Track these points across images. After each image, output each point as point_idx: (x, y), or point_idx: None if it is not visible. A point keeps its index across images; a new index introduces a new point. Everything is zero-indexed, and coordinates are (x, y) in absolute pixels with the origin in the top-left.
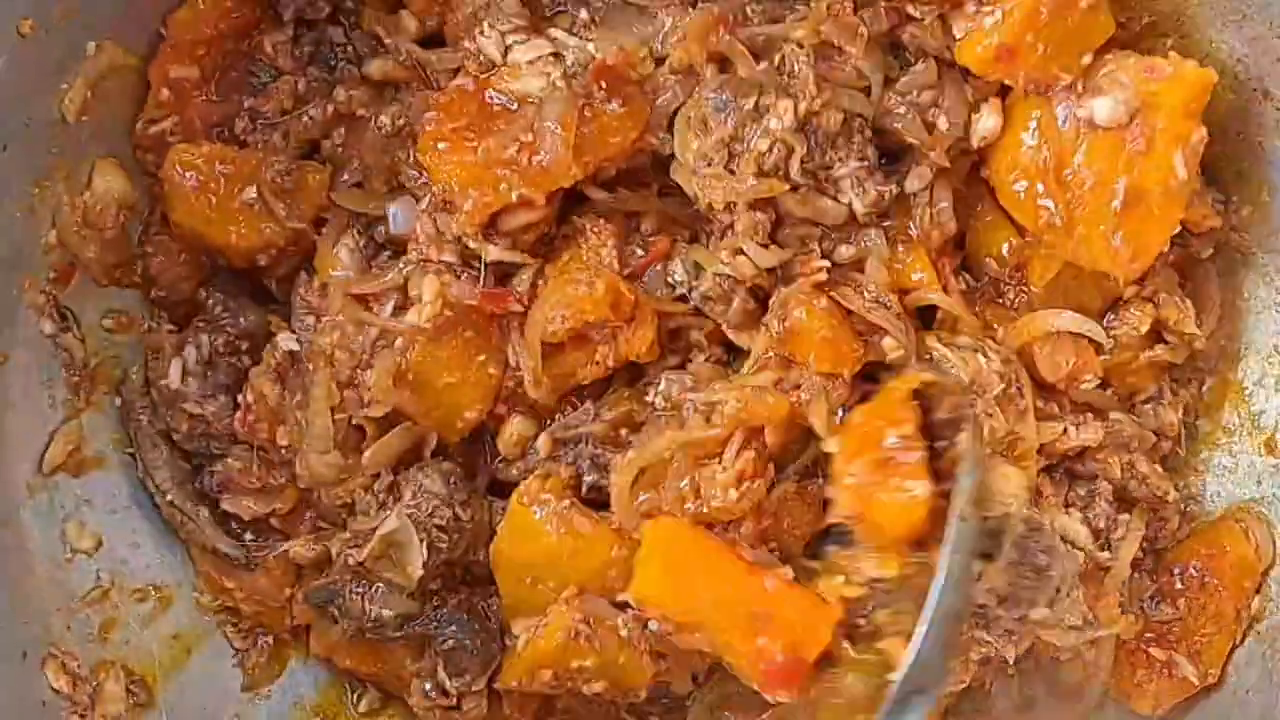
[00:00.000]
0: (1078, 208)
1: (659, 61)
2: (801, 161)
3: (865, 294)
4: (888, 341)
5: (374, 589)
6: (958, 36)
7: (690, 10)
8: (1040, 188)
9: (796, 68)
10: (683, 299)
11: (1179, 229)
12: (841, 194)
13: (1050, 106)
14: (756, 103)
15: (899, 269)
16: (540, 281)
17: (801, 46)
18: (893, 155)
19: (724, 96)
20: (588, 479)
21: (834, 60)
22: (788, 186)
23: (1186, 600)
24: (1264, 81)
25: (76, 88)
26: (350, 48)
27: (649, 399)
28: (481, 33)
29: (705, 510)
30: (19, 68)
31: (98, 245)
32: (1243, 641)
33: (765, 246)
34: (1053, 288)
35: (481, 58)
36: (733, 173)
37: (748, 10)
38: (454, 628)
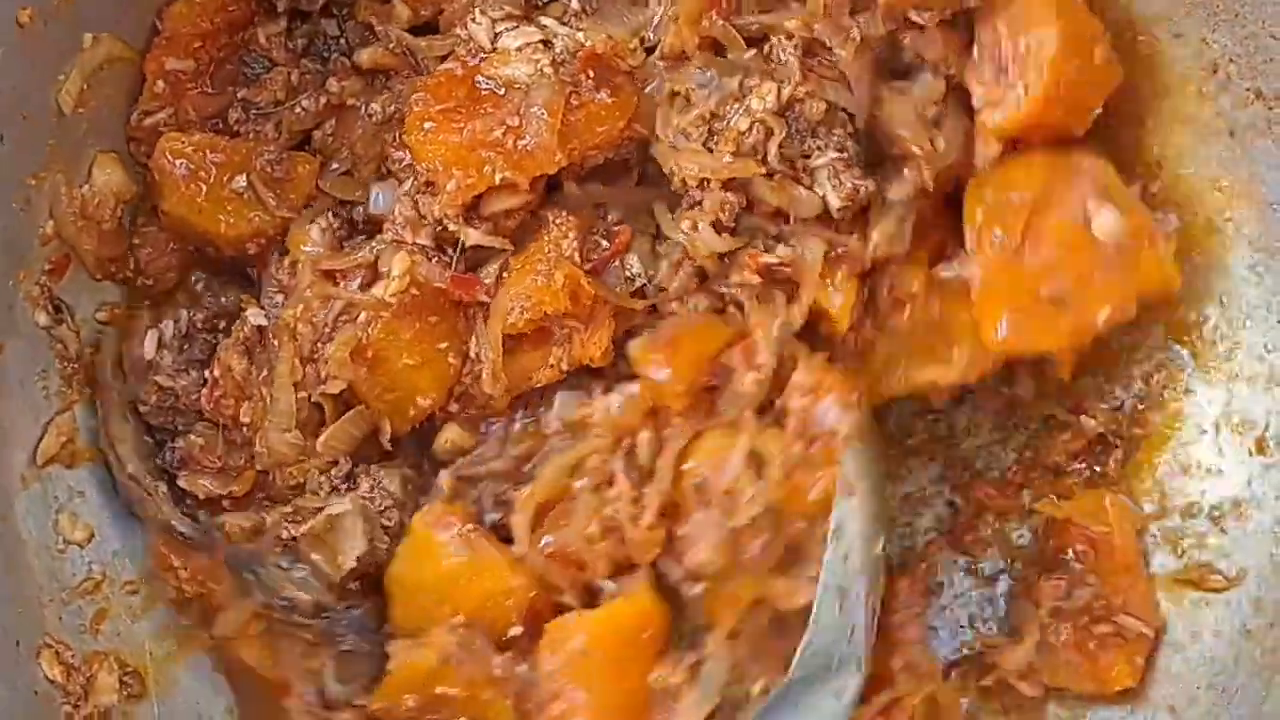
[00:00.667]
0: (1018, 269)
1: (650, 50)
2: (780, 146)
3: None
4: (749, 377)
5: (296, 568)
6: (975, 106)
7: None
8: (999, 231)
9: (784, 57)
10: (641, 293)
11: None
12: (817, 184)
13: (1068, 173)
14: (741, 83)
15: (824, 286)
16: (505, 273)
17: (790, 38)
18: (874, 164)
19: (708, 73)
20: (490, 516)
21: (823, 58)
22: (763, 170)
23: (1092, 569)
24: (1256, 81)
25: (73, 79)
26: (343, 39)
27: (543, 422)
28: (473, 19)
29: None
30: (17, 58)
31: (94, 237)
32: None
33: (722, 233)
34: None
35: (472, 44)
36: (710, 150)
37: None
38: (355, 634)
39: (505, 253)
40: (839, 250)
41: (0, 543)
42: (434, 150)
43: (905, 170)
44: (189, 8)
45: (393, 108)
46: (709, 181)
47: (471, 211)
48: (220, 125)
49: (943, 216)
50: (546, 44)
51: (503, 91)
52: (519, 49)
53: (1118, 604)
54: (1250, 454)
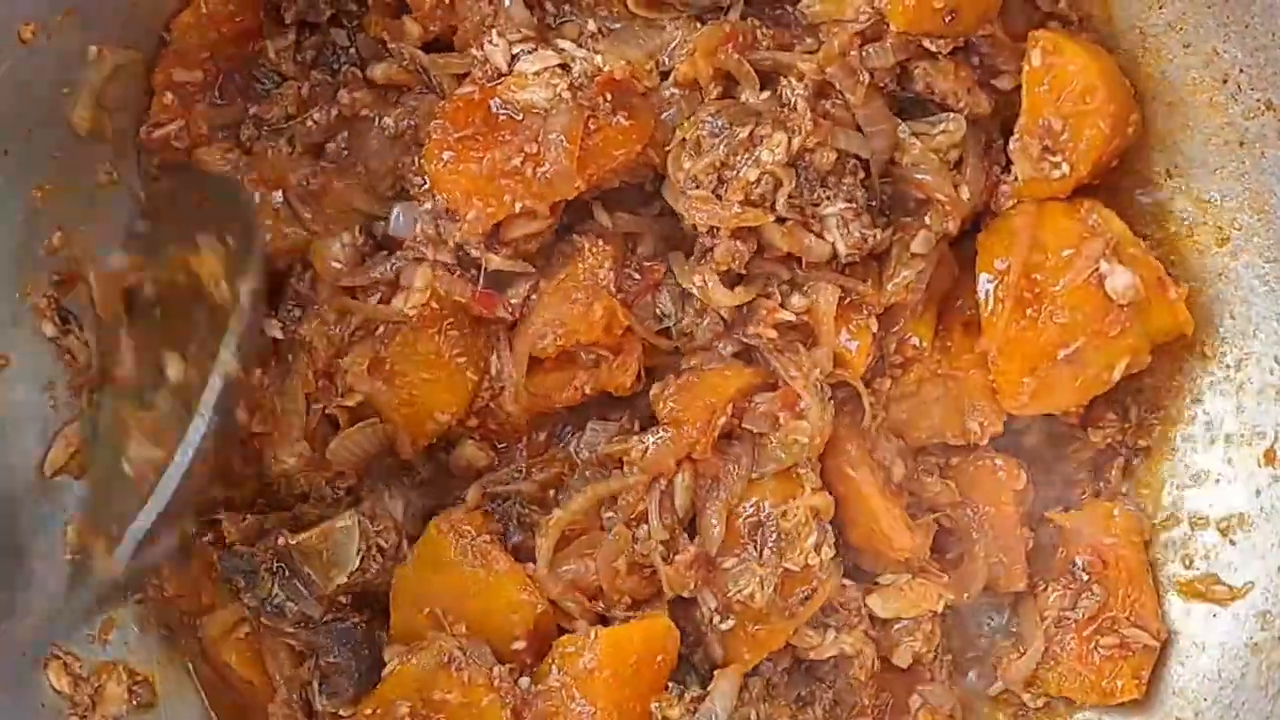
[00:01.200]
0: (1032, 331)
1: (665, 75)
2: (789, 196)
3: (804, 370)
4: (798, 425)
5: (289, 578)
6: (1017, 178)
7: (699, 25)
8: (1006, 285)
9: (794, 100)
10: (667, 333)
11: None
12: (827, 232)
13: (1078, 234)
14: (752, 132)
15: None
16: (533, 295)
17: (801, 80)
18: (888, 209)
19: (720, 122)
20: (514, 539)
21: (835, 99)
22: (772, 218)
23: (1099, 579)
24: (1267, 93)
25: (83, 100)
26: (354, 50)
27: (572, 449)
28: (490, 40)
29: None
30: (20, 73)
31: None
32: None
33: (733, 285)
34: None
35: (488, 66)
36: (720, 198)
37: (758, 34)
38: (343, 647)
39: (532, 275)
40: (852, 296)
41: (6, 553)
42: (454, 181)
43: (928, 217)
44: (196, 18)
45: (406, 123)
46: (718, 229)
47: (492, 237)
48: (232, 139)
49: (946, 260)
50: (564, 67)
51: (520, 116)
52: (536, 73)
53: (1124, 615)
54: (1259, 465)
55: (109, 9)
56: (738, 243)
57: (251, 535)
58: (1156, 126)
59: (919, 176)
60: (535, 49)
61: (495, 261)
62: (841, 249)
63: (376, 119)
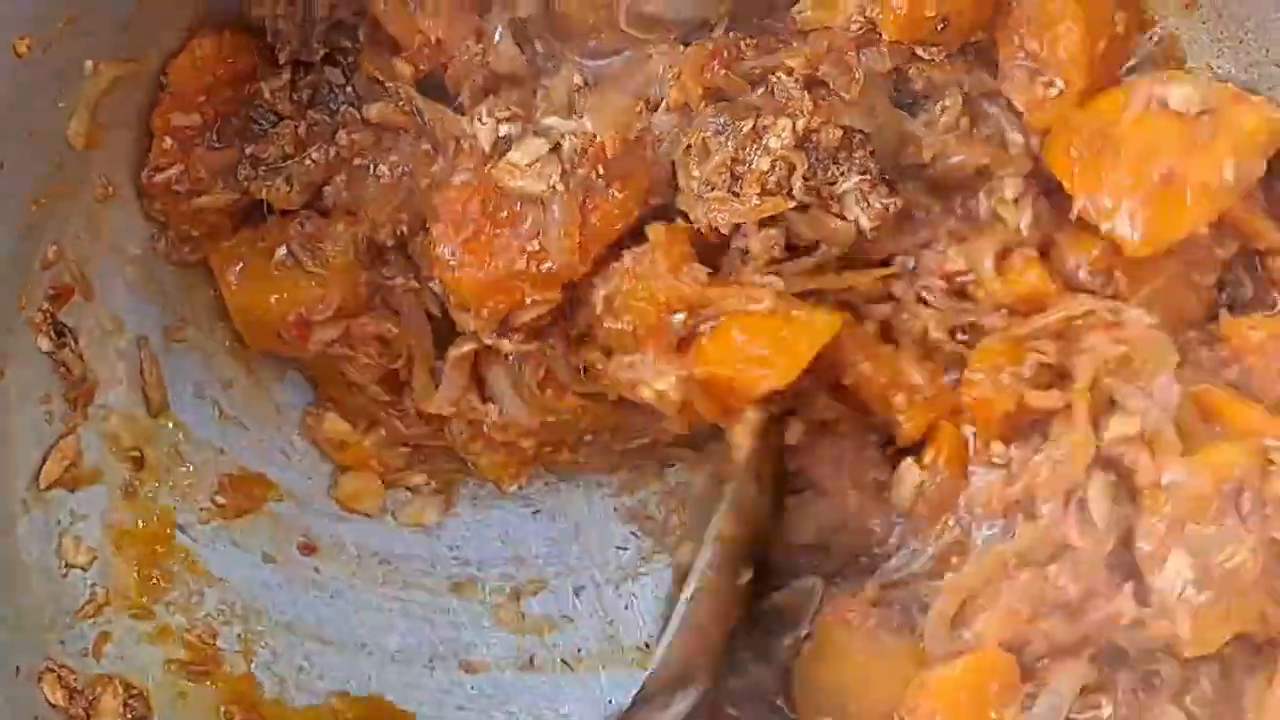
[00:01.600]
0: (1115, 173)
1: (655, 108)
2: (804, 178)
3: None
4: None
5: (762, 640)
6: (1020, 109)
7: (682, 48)
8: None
9: (790, 91)
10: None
11: None
12: (847, 210)
13: (1127, 94)
14: (755, 124)
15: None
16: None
17: (791, 73)
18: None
19: (722, 119)
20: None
21: (830, 90)
22: (793, 204)
23: None
24: None
25: (79, 115)
26: (350, 89)
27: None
28: (479, 119)
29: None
30: (17, 86)
31: None
32: None
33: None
34: (1149, 296)
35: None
36: (736, 194)
37: (741, 45)
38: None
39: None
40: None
41: (1, 566)
42: (464, 289)
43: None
44: (191, 61)
45: (401, 170)
46: (745, 225)
47: (504, 324)
48: (231, 182)
49: None
50: (555, 148)
51: (518, 206)
52: (528, 165)
53: None
54: None
55: (105, 23)
56: (769, 230)
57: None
58: None
59: (955, 160)
60: (524, 131)
61: (508, 347)
62: (865, 223)
63: (372, 166)
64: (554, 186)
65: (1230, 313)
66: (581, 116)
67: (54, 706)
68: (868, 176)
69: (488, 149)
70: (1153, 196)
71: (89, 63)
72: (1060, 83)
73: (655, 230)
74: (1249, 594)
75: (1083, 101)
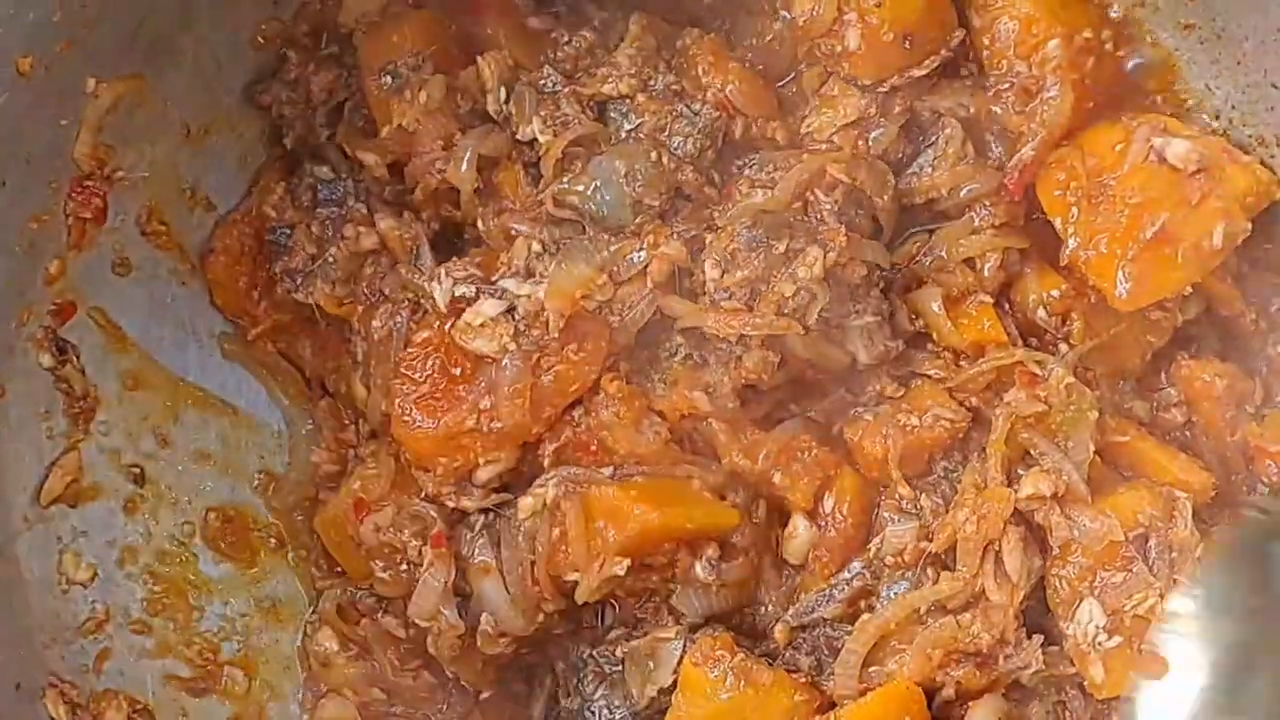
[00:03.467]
0: (1109, 222)
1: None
2: (821, 311)
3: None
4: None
5: (615, 685)
6: (1019, 132)
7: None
8: (1073, 190)
9: (824, 215)
10: None
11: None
12: (849, 341)
13: (1128, 135)
14: (788, 248)
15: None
16: None
17: (833, 190)
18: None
19: (757, 234)
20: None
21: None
22: (803, 330)
23: None
24: (1258, 129)
25: (83, 138)
26: (349, 180)
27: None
28: (438, 280)
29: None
30: (18, 103)
31: None
32: None
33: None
34: (1099, 347)
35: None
36: (751, 309)
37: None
38: None
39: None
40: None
41: (2, 582)
42: (417, 444)
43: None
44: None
45: (387, 331)
46: (749, 339)
47: (466, 481)
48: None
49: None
50: (510, 311)
51: (471, 365)
52: (481, 325)
53: None
54: None
55: (107, 42)
56: (769, 352)
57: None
58: None
59: (966, 191)
60: (479, 293)
61: (468, 504)
62: (863, 358)
63: (361, 333)
64: (506, 347)
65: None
66: (540, 281)
67: None
68: (879, 318)
69: (444, 308)
70: (1145, 252)
71: (91, 80)
72: (1051, 107)
73: (610, 385)
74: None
75: (1074, 131)
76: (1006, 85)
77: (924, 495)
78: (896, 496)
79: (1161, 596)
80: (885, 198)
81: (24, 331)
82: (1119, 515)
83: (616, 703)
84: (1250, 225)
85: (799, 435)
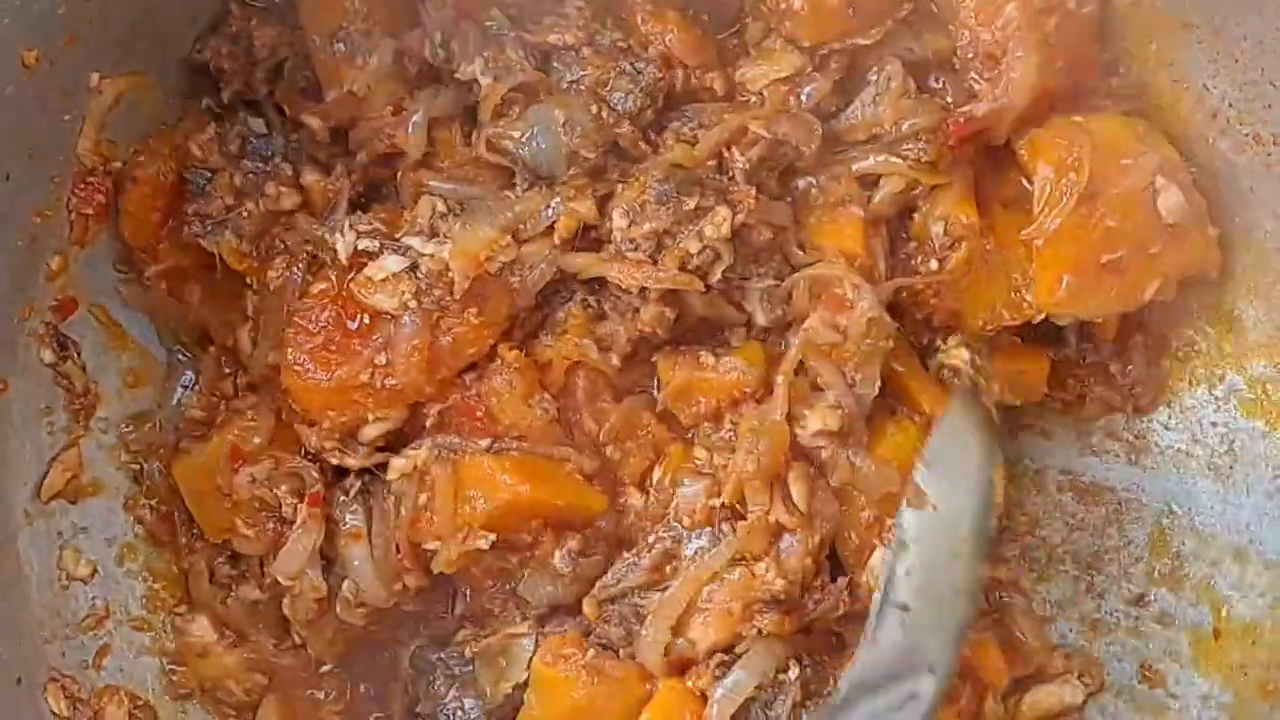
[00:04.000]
0: (1083, 229)
1: (524, 242)
2: (724, 271)
3: None
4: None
5: (467, 685)
6: (983, 100)
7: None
8: (1068, 182)
9: (738, 175)
10: None
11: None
12: (746, 302)
13: (1140, 155)
14: (697, 205)
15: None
16: None
17: (753, 147)
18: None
19: (668, 189)
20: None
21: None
22: (705, 288)
23: None
24: (1255, 127)
25: (86, 133)
26: (278, 137)
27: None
28: (341, 232)
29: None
30: (21, 98)
31: None
32: None
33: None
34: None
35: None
36: (655, 262)
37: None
38: None
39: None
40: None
41: (3, 578)
42: (307, 396)
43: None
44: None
45: (290, 273)
46: (648, 291)
47: (351, 437)
48: (186, 244)
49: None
50: (412, 268)
51: (369, 320)
52: (383, 280)
53: None
54: None
55: (110, 37)
56: (666, 308)
57: (444, 638)
58: None
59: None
60: (381, 249)
61: (352, 461)
62: (760, 319)
63: (254, 286)
64: (406, 304)
65: None
66: (444, 241)
67: (57, 716)
68: (779, 283)
69: (345, 260)
70: (1091, 273)
71: (95, 76)
72: (1015, 71)
73: (509, 353)
74: None
75: (1050, 89)
76: (971, 54)
77: (715, 454)
78: (693, 461)
79: None
80: (812, 146)
81: (26, 327)
82: (897, 461)
83: (469, 703)
84: (1175, 291)
85: (641, 413)
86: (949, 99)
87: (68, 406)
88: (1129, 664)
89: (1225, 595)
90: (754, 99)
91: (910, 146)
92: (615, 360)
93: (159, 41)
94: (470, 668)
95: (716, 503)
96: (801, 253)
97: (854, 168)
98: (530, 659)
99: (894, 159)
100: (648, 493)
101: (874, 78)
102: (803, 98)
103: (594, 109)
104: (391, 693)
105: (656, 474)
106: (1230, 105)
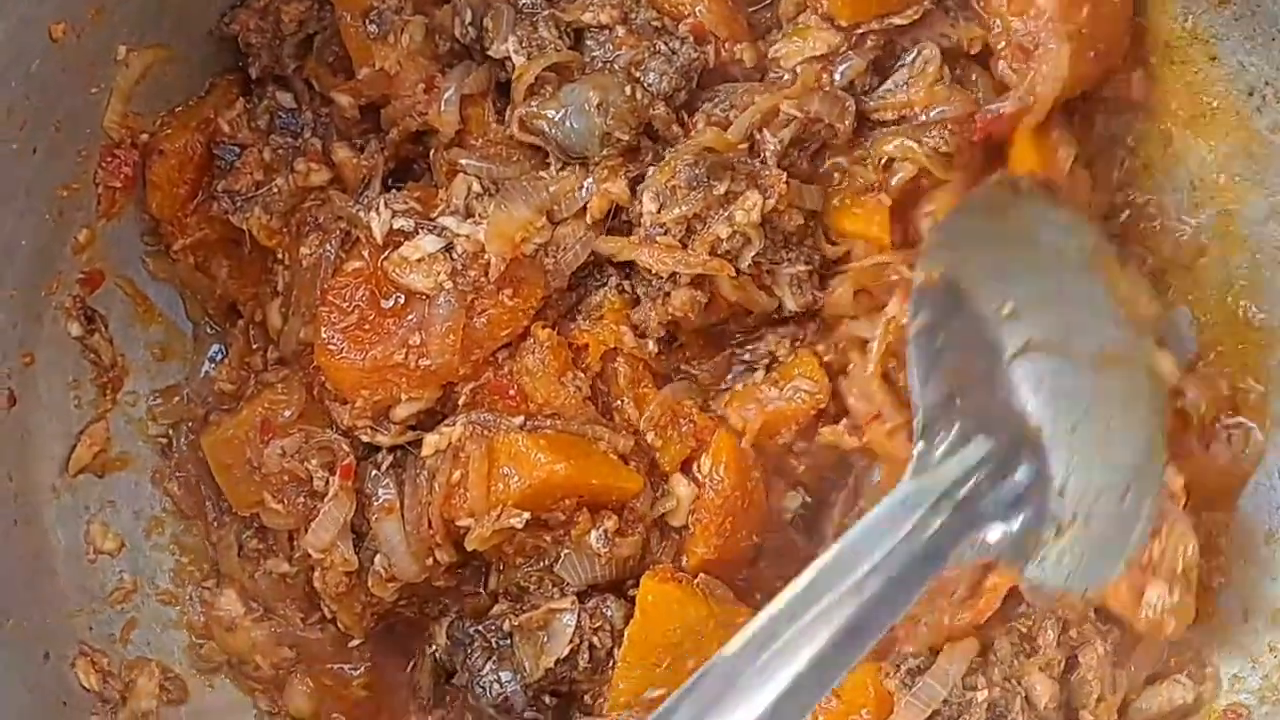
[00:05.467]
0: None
1: (558, 223)
2: (754, 256)
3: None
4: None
5: (505, 659)
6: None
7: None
8: None
9: (769, 159)
10: None
11: None
12: (777, 287)
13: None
14: (728, 190)
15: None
16: None
17: (786, 127)
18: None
19: (699, 173)
20: None
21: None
22: (735, 272)
23: None
24: None
25: (113, 106)
26: (307, 112)
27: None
28: (376, 210)
29: None
30: (49, 72)
31: None
32: None
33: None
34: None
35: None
36: (685, 246)
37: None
38: None
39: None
40: None
41: (30, 552)
42: (340, 375)
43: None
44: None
45: (324, 250)
46: (679, 275)
47: (382, 416)
48: (216, 213)
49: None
50: (448, 249)
51: (403, 299)
52: (418, 260)
53: None
54: None
55: (137, 9)
56: (697, 291)
57: (480, 611)
58: (1174, 144)
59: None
60: (417, 228)
61: (384, 439)
62: (790, 305)
63: (285, 262)
64: (441, 285)
65: None
66: (480, 221)
67: (87, 690)
68: (810, 267)
69: (380, 239)
70: None
71: (121, 48)
72: (1048, 63)
73: (541, 331)
74: None
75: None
76: (1003, 45)
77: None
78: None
79: None
80: (845, 124)
81: (53, 300)
82: None
83: (506, 676)
84: None
85: (683, 400)
86: (978, 94)
87: (95, 380)
88: None
89: None
90: (786, 75)
91: (933, 135)
92: (652, 346)
93: (186, 14)
94: (508, 641)
95: None
96: (829, 243)
97: (875, 150)
98: (573, 633)
99: (911, 143)
100: (702, 483)
101: (910, 58)
102: (836, 76)
103: (628, 90)
104: (421, 667)
105: (706, 464)
106: (1267, 84)
